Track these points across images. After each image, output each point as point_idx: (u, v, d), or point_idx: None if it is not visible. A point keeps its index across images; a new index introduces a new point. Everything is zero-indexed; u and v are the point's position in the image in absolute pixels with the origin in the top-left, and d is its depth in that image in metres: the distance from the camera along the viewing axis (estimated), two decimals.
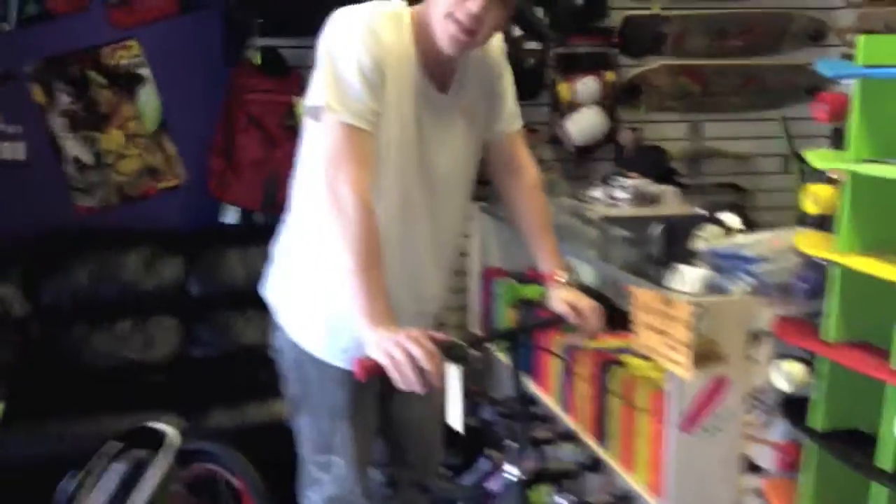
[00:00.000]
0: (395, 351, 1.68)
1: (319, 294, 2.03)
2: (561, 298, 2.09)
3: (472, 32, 1.85)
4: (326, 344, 2.05)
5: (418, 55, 1.93)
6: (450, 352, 1.75)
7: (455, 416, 1.77)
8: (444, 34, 1.85)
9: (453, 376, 1.76)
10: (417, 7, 1.95)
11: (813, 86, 4.28)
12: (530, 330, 2.52)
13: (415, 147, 1.95)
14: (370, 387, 2.10)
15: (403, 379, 1.67)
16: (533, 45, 3.89)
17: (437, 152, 1.99)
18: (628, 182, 3.69)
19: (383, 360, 1.69)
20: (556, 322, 2.13)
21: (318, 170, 1.90)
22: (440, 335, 1.77)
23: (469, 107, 2.05)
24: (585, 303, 2.08)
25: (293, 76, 3.91)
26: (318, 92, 1.86)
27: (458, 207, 2.13)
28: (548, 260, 2.16)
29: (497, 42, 2.10)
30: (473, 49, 1.95)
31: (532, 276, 3.54)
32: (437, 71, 1.96)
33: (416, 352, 1.67)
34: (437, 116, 1.98)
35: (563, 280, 2.13)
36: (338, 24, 1.87)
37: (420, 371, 1.67)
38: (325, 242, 1.92)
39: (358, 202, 1.79)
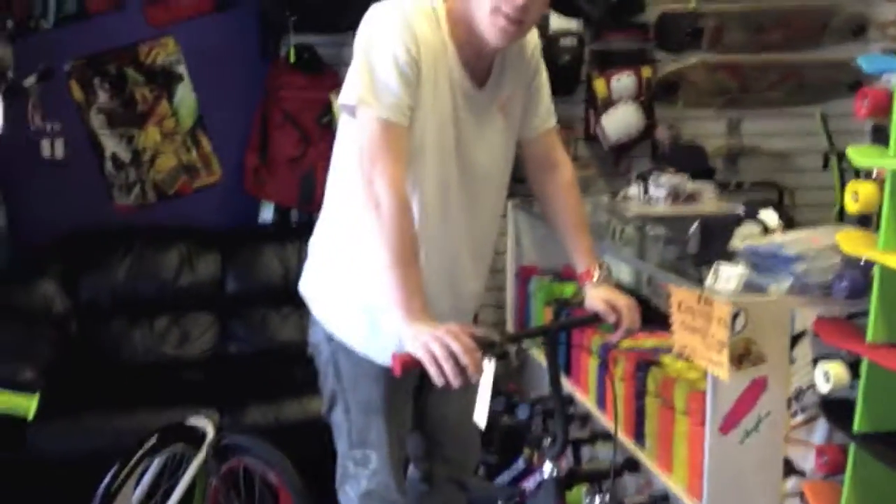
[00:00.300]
0: (434, 346, 1.68)
1: (358, 289, 2.03)
2: (597, 297, 2.08)
3: (521, 22, 1.86)
4: (365, 338, 2.06)
5: (456, 50, 1.92)
6: (488, 347, 1.75)
7: (482, 413, 1.77)
8: (493, 28, 1.85)
9: (487, 372, 1.76)
10: (452, 2, 1.94)
11: (854, 81, 4.22)
12: (567, 328, 2.50)
13: (452, 142, 1.95)
14: (406, 383, 2.10)
15: (441, 374, 1.68)
16: (569, 41, 3.87)
17: (474, 148, 1.99)
18: (665, 179, 3.65)
19: (421, 355, 1.70)
20: (593, 320, 2.12)
21: (353, 165, 1.91)
22: (478, 330, 1.78)
23: (506, 102, 2.04)
24: (622, 300, 2.07)
25: (328, 73, 3.92)
26: (354, 87, 1.87)
27: (496, 203, 2.13)
28: (583, 258, 2.15)
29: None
30: (518, 40, 1.95)
31: (567, 274, 3.52)
32: (475, 66, 1.96)
33: (455, 346, 1.67)
34: (474, 111, 1.97)
35: (599, 278, 2.11)
36: (374, 19, 1.87)
37: (458, 366, 1.67)
38: (362, 237, 1.92)
39: (394, 198, 1.79)
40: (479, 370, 1.70)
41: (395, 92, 1.83)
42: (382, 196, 1.79)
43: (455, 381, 1.68)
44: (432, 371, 1.69)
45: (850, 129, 4.14)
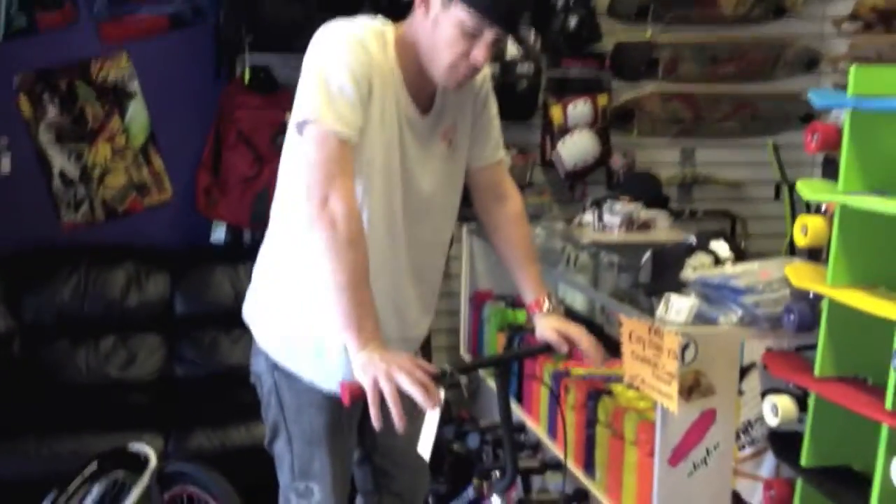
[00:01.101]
0: (384, 383, 1.65)
1: (303, 312, 1.99)
2: (548, 326, 2.08)
3: (476, 73, 1.88)
4: (310, 364, 2.02)
5: (402, 75, 1.91)
6: (437, 379, 1.72)
7: (426, 444, 1.74)
8: (449, 79, 1.87)
9: (434, 414, 1.73)
10: (401, 27, 1.93)
11: (806, 113, 4.29)
12: (519, 358, 2.49)
13: (398, 167, 1.93)
14: (350, 412, 2.06)
15: (382, 414, 1.65)
16: (526, 67, 3.88)
17: (418, 174, 1.97)
18: (619, 207, 3.67)
19: (368, 390, 1.67)
20: (545, 350, 2.11)
21: (300, 184, 1.86)
22: (427, 364, 1.74)
23: (450, 130, 2.03)
24: (574, 330, 2.07)
25: (283, 93, 3.89)
26: (308, 103, 1.82)
27: (442, 230, 2.10)
28: (532, 289, 2.14)
29: (482, 69, 2.08)
30: None
31: (522, 301, 3.51)
32: (420, 93, 1.95)
33: (407, 383, 1.64)
34: (418, 138, 1.96)
35: (549, 308, 2.10)
36: (327, 38, 1.85)
37: (403, 409, 1.64)
38: (308, 260, 1.88)
39: (351, 217, 1.76)
40: (434, 405, 1.67)
41: (349, 109, 1.80)
42: (339, 215, 1.75)
43: (399, 426, 1.64)
44: (373, 412, 1.65)
45: (802, 161, 4.21)
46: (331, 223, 1.75)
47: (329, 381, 1.97)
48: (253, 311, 2.12)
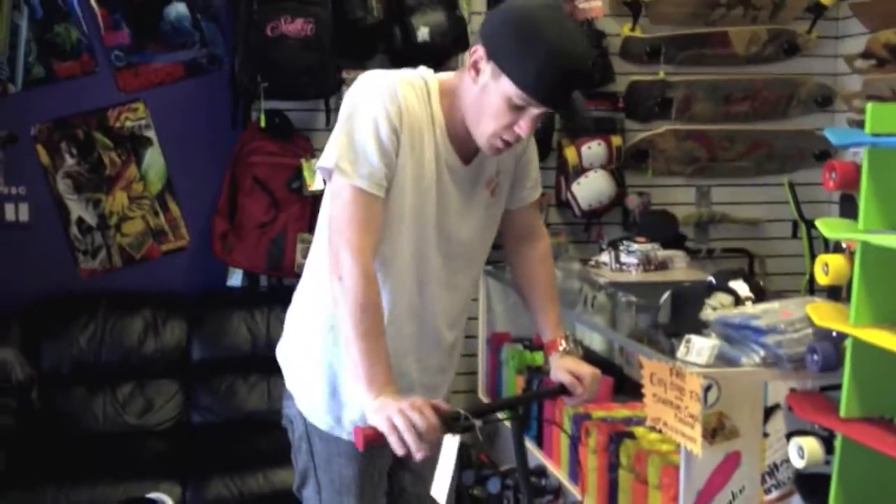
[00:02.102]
0: (396, 418, 1.65)
1: (326, 362, 1.99)
2: (562, 367, 2.07)
3: (517, 142, 1.88)
4: (332, 416, 2.01)
5: (446, 125, 1.90)
6: (453, 422, 1.72)
7: (441, 489, 1.72)
8: (489, 147, 1.86)
9: (450, 447, 1.72)
10: (447, 78, 1.93)
11: (821, 151, 4.28)
12: (534, 399, 2.46)
13: (433, 215, 1.92)
14: (380, 461, 2.06)
15: (402, 444, 1.64)
16: None
17: (456, 223, 1.96)
18: (636, 247, 3.65)
19: (383, 427, 1.66)
20: (560, 392, 2.09)
21: (323, 232, 1.88)
22: (444, 405, 1.74)
23: (493, 180, 2.01)
24: (585, 370, 2.06)
25: (298, 139, 3.92)
26: (332, 152, 1.84)
27: (473, 278, 2.10)
28: (550, 329, 2.14)
29: None
30: None
31: (540, 342, 3.48)
32: (463, 142, 1.93)
33: (418, 421, 1.64)
34: (460, 187, 1.95)
35: (565, 349, 2.09)
36: (361, 87, 1.85)
37: (421, 438, 1.64)
38: (327, 306, 1.90)
39: (357, 270, 1.77)
40: (437, 446, 1.67)
41: (372, 161, 1.80)
42: (346, 268, 1.77)
43: (417, 454, 1.64)
44: (393, 441, 1.65)
45: (819, 198, 4.20)
46: (339, 276, 1.77)
47: (350, 431, 1.95)
48: (281, 354, 2.13)
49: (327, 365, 1.98)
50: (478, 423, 1.76)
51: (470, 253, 2.03)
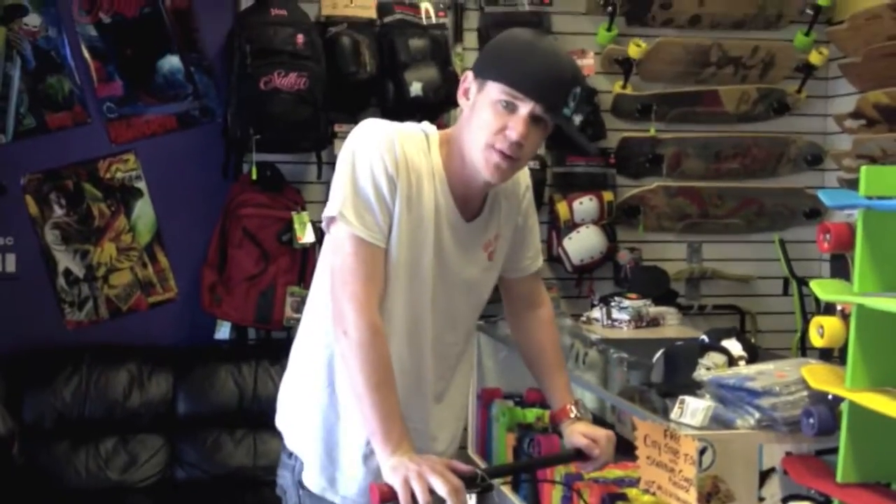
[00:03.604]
0: (415, 483, 1.60)
1: (323, 421, 1.92)
2: (577, 432, 2.00)
3: (515, 159, 1.80)
4: (326, 477, 1.94)
5: (447, 179, 1.86)
6: (470, 483, 1.68)
7: None
8: (487, 164, 1.79)
9: None
10: (446, 131, 1.91)
11: (811, 209, 4.29)
12: (550, 465, 2.39)
13: (428, 270, 1.87)
14: None
15: (412, 499, 1.60)
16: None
17: (452, 281, 1.91)
18: (628, 303, 3.64)
19: (399, 489, 1.61)
20: (576, 457, 2.03)
21: (324, 284, 1.84)
22: (461, 465, 1.70)
23: (493, 241, 1.98)
24: (600, 433, 2.01)
25: (289, 191, 3.91)
26: (334, 201, 1.80)
27: (467, 337, 2.04)
28: (560, 396, 2.09)
29: (525, 177, 2.04)
30: (511, 176, 1.89)
31: (532, 399, 3.46)
32: (466, 198, 1.89)
33: (439, 485, 1.59)
34: (459, 243, 1.90)
35: (576, 415, 2.05)
36: (358, 135, 1.82)
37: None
38: (327, 365, 1.87)
39: (362, 324, 1.72)
40: None
41: (373, 210, 1.77)
42: (350, 321, 1.73)
43: None
44: (404, 500, 1.60)
45: (809, 255, 4.20)
46: (343, 331, 1.73)
47: (344, 495, 1.92)
48: (279, 418, 2.05)
49: (324, 425, 1.92)
50: (496, 483, 1.72)
51: (464, 315, 1.98)
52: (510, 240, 2.03)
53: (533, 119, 1.76)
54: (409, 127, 1.88)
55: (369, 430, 1.71)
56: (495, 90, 1.75)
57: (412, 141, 1.84)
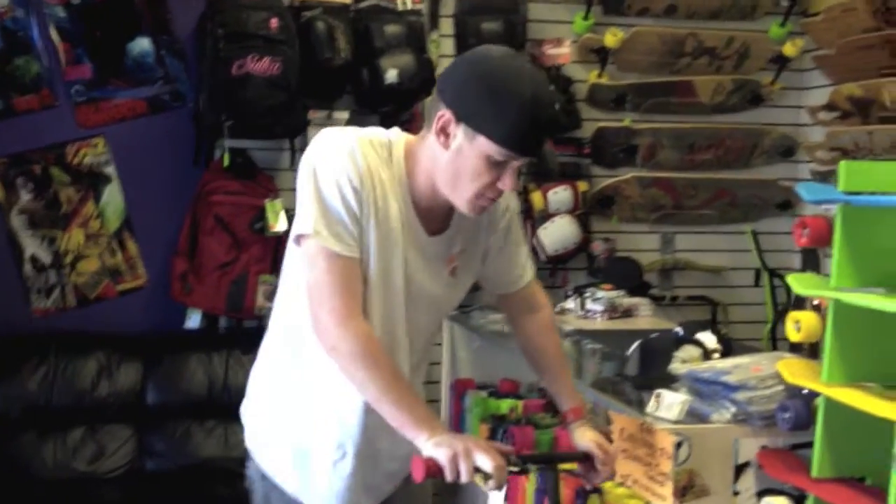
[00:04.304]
0: (462, 459, 1.62)
1: (290, 430, 1.92)
2: (589, 438, 1.96)
3: (499, 197, 1.81)
4: (293, 479, 1.93)
5: (410, 190, 1.82)
6: (514, 464, 1.73)
7: None
8: (471, 207, 1.78)
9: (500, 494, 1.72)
10: (412, 143, 1.84)
11: (784, 200, 4.31)
12: (565, 461, 2.36)
13: (400, 282, 1.83)
14: None
15: (457, 479, 1.62)
16: None
17: (416, 293, 1.87)
18: (602, 294, 3.64)
19: (446, 464, 1.62)
20: (582, 459, 1.99)
21: (299, 295, 1.81)
22: (502, 445, 1.73)
23: (457, 257, 1.93)
24: (611, 447, 1.97)
25: (261, 178, 3.86)
26: (305, 217, 1.76)
27: (430, 343, 2.03)
28: (569, 397, 2.04)
29: (503, 199, 1.94)
30: None
31: (505, 389, 3.44)
32: (430, 212, 1.85)
33: (486, 462, 1.62)
34: (423, 256, 1.86)
35: (587, 419, 2.02)
36: (319, 147, 1.78)
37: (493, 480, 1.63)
38: (293, 375, 1.88)
39: (349, 333, 1.71)
40: (503, 485, 1.65)
41: (343, 223, 1.73)
42: (336, 336, 1.71)
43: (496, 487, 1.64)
44: (451, 479, 1.63)
45: (781, 246, 4.22)
46: (332, 347, 1.72)
47: (313, 496, 1.91)
48: (244, 411, 2.04)
49: (292, 435, 1.92)
50: (531, 467, 1.80)
51: (424, 327, 1.95)
52: (481, 258, 1.99)
53: (519, 167, 1.76)
54: (371, 133, 1.82)
55: (398, 425, 1.70)
56: (487, 146, 1.69)
57: (374, 150, 1.79)
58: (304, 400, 1.89)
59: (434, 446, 1.64)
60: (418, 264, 1.86)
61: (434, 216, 1.86)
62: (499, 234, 1.99)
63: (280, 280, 1.95)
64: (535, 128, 1.69)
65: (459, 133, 1.71)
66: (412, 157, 1.82)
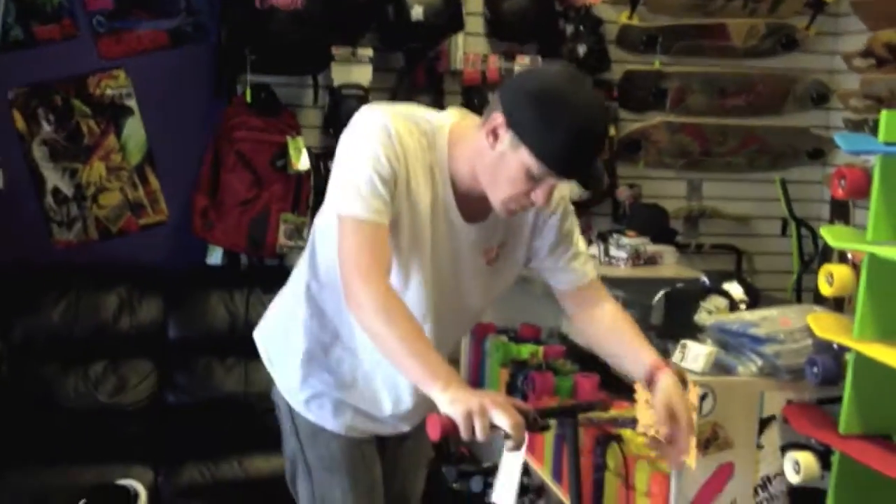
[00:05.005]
0: (477, 416, 1.55)
1: (304, 346, 1.97)
2: (664, 400, 1.83)
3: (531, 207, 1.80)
4: (307, 403, 1.99)
5: (451, 175, 1.83)
6: (533, 422, 1.64)
7: (509, 492, 1.66)
8: (503, 209, 1.79)
9: (517, 457, 1.68)
10: (462, 127, 1.84)
11: (815, 149, 4.23)
12: (592, 409, 2.31)
13: (428, 264, 1.84)
14: (367, 442, 2.02)
15: (472, 436, 1.56)
16: None
17: (448, 282, 1.87)
18: (626, 241, 3.59)
19: (460, 421, 1.56)
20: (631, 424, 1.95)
21: (327, 260, 1.87)
22: (521, 403, 1.66)
23: (496, 249, 1.92)
24: (684, 421, 1.81)
25: (285, 115, 3.81)
26: (338, 197, 1.78)
27: (467, 327, 2.04)
28: (647, 351, 1.93)
29: (559, 190, 1.90)
30: None
31: (525, 334, 3.42)
32: (470, 200, 1.84)
33: (503, 419, 1.55)
34: (454, 241, 1.86)
35: (674, 369, 1.89)
36: (359, 123, 1.80)
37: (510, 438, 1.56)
38: (313, 313, 1.94)
39: (370, 289, 1.70)
40: (521, 444, 1.59)
41: (378, 195, 1.74)
42: (361, 294, 1.71)
43: (515, 448, 1.59)
44: (466, 437, 1.57)
45: (810, 196, 4.16)
46: (357, 305, 1.71)
47: (319, 414, 1.98)
48: (259, 334, 2.10)
49: (305, 349, 1.96)
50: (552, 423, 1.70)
51: (463, 308, 1.95)
52: (526, 251, 1.97)
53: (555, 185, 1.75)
54: (414, 115, 1.83)
55: (414, 378, 1.69)
56: (529, 160, 1.69)
57: (415, 131, 1.80)
58: (309, 327, 1.95)
59: (449, 403, 1.60)
60: (447, 248, 1.86)
61: (473, 204, 1.85)
62: (550, 222, 1.95)
63: (307, 243, 1.98)
64: (577, 154, 1.70)
65: (507, 138, 1.72)
66: (458, 144, 1.82)
